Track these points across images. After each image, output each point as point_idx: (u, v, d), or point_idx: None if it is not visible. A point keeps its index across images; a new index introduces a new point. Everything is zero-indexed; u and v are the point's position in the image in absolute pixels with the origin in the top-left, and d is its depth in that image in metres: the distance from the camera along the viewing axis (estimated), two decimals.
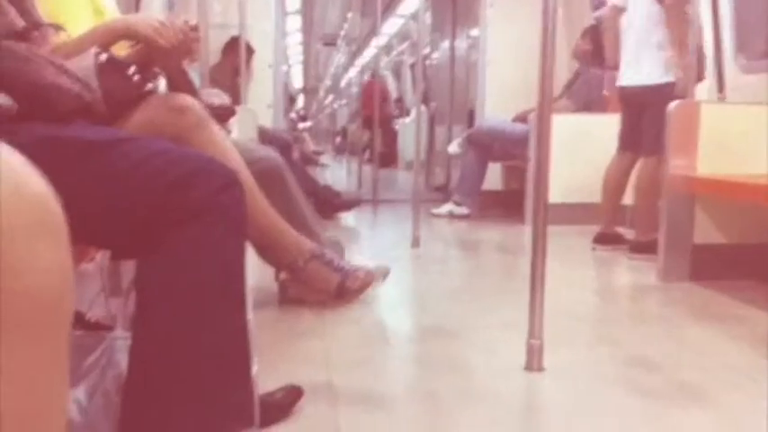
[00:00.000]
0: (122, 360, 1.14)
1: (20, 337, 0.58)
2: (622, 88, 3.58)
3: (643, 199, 3.42)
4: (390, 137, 11.40)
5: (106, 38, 1.34)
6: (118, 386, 1.15)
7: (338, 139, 16.45)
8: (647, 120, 3.45)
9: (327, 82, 21.60)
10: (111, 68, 1.24)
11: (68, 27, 1.38)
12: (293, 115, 14.50)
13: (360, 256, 2.57)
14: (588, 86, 4.66)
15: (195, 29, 1.45)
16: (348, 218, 4.97)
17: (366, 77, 9.52)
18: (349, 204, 4.98)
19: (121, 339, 1.16)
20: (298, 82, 21.82)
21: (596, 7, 4.90)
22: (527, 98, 4.40)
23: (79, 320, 1.23)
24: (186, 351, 1.02)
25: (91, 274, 1.31)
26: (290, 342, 2.06)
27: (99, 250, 1.26)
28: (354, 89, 12.19)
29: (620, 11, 3.62)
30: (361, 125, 9.11)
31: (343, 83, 16.94)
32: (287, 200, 2.29)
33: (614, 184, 3.63)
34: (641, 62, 3.43)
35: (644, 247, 3.32)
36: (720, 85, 3.55)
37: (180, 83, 1.57)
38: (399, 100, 12.67)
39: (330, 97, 22.82)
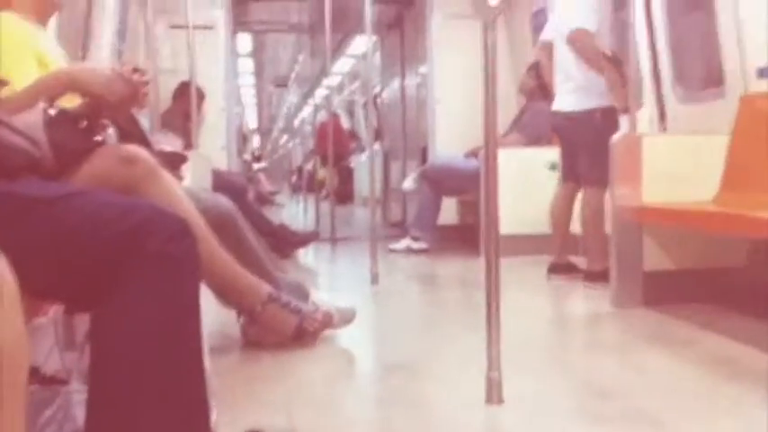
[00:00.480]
0: (79, 414, 1.13)
1: None
2: (554, 115, 3.69)
3: (589, 229, 3.47)
4: (346, 174, 11.47)
5: (52, 91, 1.34)
6: None
7: (294, 178, 16.45)
8: (580, 149, 3.55)
9: (281, 123, 21.65)
10: (59, 122, 1.24)
11: (13, 80, 1.37)
12: (247, 156, 14.46)
13: (325, 297, 2.57)
14: (537, 120, 4.76)
15: (143, 73, 1.45)
16: (307, 255, 4.97)
17: (320, 117, 9.61)
18: (305, 240, 4.99)
19: (77, 393, 1.15)
20: (252, 123, 21.83)
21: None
22: (477, 133, 4.48)
23: (34, 375, 1.21)
24: (143, 402, 1.02)
25: (44, 328, 1.29)
26: (251, 386, 2.04)
27: (52, 304, 1.25)
28: (308, 128, 12.26)
29: (548, 47, 3.72)
30: (318, 163, 9.15)
31: (296, 122, 17.00)
32: (241, 245, 2.29)
33: (559, 214, 3.68)
34: (568, 90, 3.54)
35: (598, 276, 3.36)
36: (661, 116, 3.67)
37: (130, 131, 1.58)
38: (354, 136, 12.77)
39: (284, 137, 22.85)
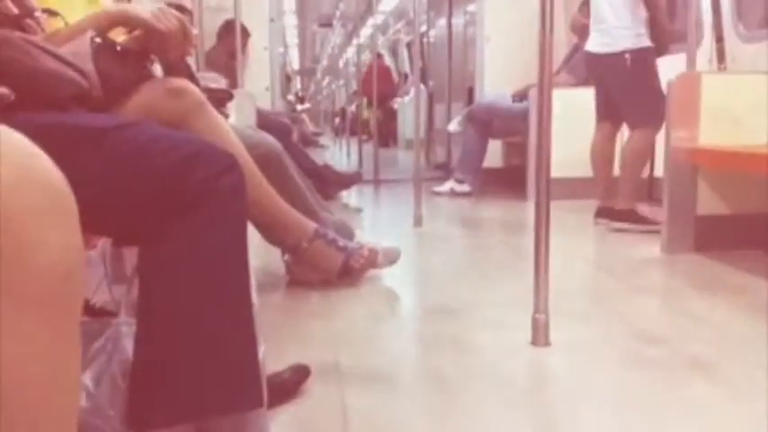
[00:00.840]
0: (128, 346, 1.14)
1: (35, 315, 0.58)
2: (586, 56, 3.58)
3: (627, 169, 3.42)
4: (390, 116, 11.37)
5: (102, 23, 1.33)
6: (124, 372, 1.15)
7: (337, 120, 16.41)
8: (614, 92, 3.46)
9: (324, 63, 21.50)
10: (107, 53, 1.23)
11: (63, 12, 1.36)
12: (291, 97, 14.44)
13: (370, 237, 2.57)
14: None
15: (187, 12, 1.43)
16: (350, 197, 4.97)
17: (364, 58, 9.48)
18: (349, 181, 4.98)
19: (126, 325, 1.16)
20: (295, 64, 21.72)
21: None
22: (526, 74, 4.38)
23: (84, 307, 1.22)
24: (191, 335, 1.02)
25: (93, 261, 1.30)
26: (297, 323, 2.06)
27: (101, 237, 1.26)
28: (352, 69, 12.15)
29: None
30: (363, 105, 9.09)
31: (340, 63, 16.86)
32: (287, 183, 2.29)
33: (599, 156, 3.60)
34: (600, 30, 3.44)
35: (615, 215, 3.40)
36: (721, 56, 3.52)
37: (177, 68, 1.56)
38: (401, 76, 12.62)
39: (327, 78, 22.73)
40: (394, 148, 10.73)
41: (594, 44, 3.47)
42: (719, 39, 3.54)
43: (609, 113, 3.53)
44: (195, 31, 1.39)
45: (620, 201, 3.43)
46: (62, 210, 0.60)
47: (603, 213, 3.57)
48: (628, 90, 3.39)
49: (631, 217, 3.41)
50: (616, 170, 3.54)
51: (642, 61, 3.33)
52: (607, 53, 3.38)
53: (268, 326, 1.50)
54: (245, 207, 1.10)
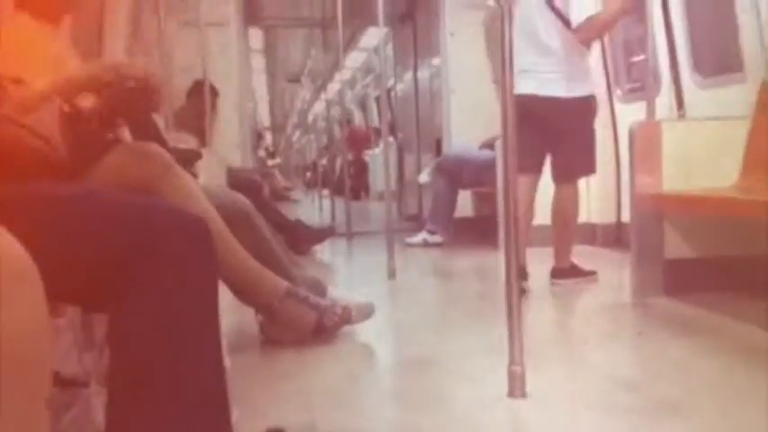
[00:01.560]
0: (99, 417, 1.12)
1: (1, 395, 0.57)
2: (529, 99, 3.11)
3: (570, 226, 3.34)
4: (361, 168, 11.45)
5: (69, 89, 1.33)
6: None
7: (308, 174, 16.46)
8: (579, 138, 3.27)
9: (294, 119, 21.66)
10: (73, 120, 1.23)
11: (28, 79, 1.36)
12: (262, 152, 14.48)
13: (344, 292, 2.56)
14: None
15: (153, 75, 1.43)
16: (323, 252, 4.96)
17: (333, 113, 9.62)
18: (322, 235, 4.98)
19: (97, 396, 1.14)
20: (265, 120, 21.84)
21: None
22: (491, 123, 4.45)
23: (54, 378, 1.20)
24: (163, 403, 1.01)
25: (62, 329, 1.28)
26: (272, 383, 2.03)
27: (69, 305, 1.24)
28: (321, 124, 12.26)
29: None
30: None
31: (310, 118, 16.99)
32: (258, 242, 2.28)
33: (527, 210, 3.23)
34: (557, 74, 3.23)
35: (565, 273, 3.30)
36: (679, 102, 3.62)
37: (145, 129, 1.57)
38: (374, 132, 12.75)
39: (297, 133, 22.87)
40: (366, 201, 10.77)
41: (553, 88, 3.21)
42: (677, 86, 3.64)
43: (539, 165, 3.30)
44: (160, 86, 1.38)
45: (566, 259, 3.31)
46: (26, 291, 0.60)
47: (562, 274, 3.34)
48: (585, 137, 3.30)
49: (575, 272, 3.34)
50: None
51: (595, 108, 3.35)
52: (575, 97, 3.23)
53: (242, 387, 1.48)
54: (214, 271, 1.10)
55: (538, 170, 3.32)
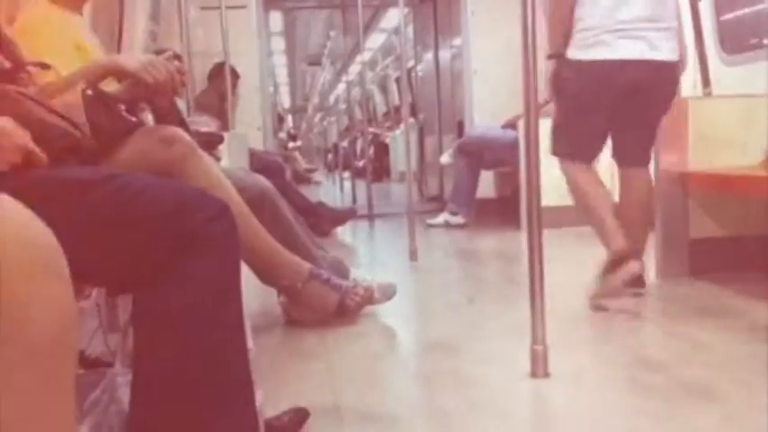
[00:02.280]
0: (124, 396, 1.14)
1: (29, 371, 0.59)
2: (632, 66, 2.48)
3: (646, 215, 2.72)
4: (381, 150, 11.44)
5: (93, 75, 1.35)
6: (121, 423, 1.14)
7: (330, 156, 16.49)
8: (655, 113, 2.63)
9: (315, 100, 21.67)
10: (98, 104, 1.24)
11: (54, 66, 1.38)
12: (283, 135, 14.52)
13: (365, 274, 2.57)
14: None
15: (178, 58, 1.46)
16: (345, 234, 4.97)
17: (354, 94, 9.61)
18: (343, 217, 4.99)
19: (122, 376, 1.16)
20: (285, 102, 21.88)
21: None
22: (514, 104, 4.42)
23: (79, 358, 1.22)
24: (187, 384, 1.02)
25: (88, 311, 1.30)
26: (295, 364, 2.05)
27: (94, 287, 1.26)
28: (342, 106, 12.24)
29: None
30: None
31: (331, 100, 16.99)
32: (280, 224, 2.29)
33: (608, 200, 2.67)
34: (664, 32, 2.52)
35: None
36: (705, 80, 3.56)
37: (167, 115, 1.58)
38: (388, 113, 12.72)
39: (319, 115, 22.89)
40: (387, 182, 10.77)
41: (667, 50, 2.51)
42: (703, 64, 3.58)
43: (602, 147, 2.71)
44: (184, 68, 1.39)
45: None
46: (53, 269, 0.62)
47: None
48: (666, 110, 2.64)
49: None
50: None
51: None
52: (673, 62, 2.54)
53: (265, 369, 1.50)
54: (237, 252, 1.10)
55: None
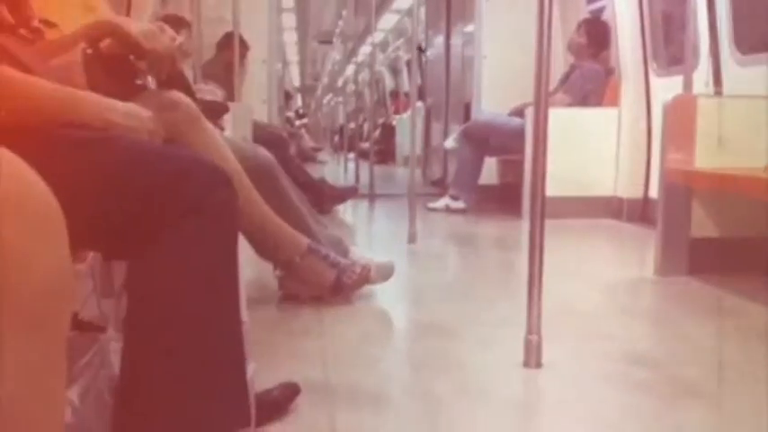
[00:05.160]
0: (115, 361, 1.13)
1: (23, 331, 0.59)
2: None
3: None
4: (388, 133, 11.40)
5: (94, 34, 1.32)
6: (111, 387, 1.14)
7: (336, 138, 16.45)
8: None
9: (325, 80, 21.57)
10: (98, 64, 1.22)
11: (59, 24, 1.36)
12: (291, 114, 14.47)
13: (365, 253, 2.56)
14: (584, 79, 4.64)
15: (187, 24, 1.43)
16: (345, 212, 4.96)
17: (362, 77, 9.57)
18: (344, 194, 4.98)
19: (114, 340, 1.15)
20: (295, 81, 21.79)
21: (591, 0, 4.89)
22: (522, 92, 4.37)
23: (72, 320, 1.21)
24: (179, 352, 1.01)
25: (83, 275, 1.29)
26: (288, 339, 2.05)
27: (90, 251, 1.25)
28: (351, 87, 12.19)
29: None
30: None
31: (340, 82, 16.90)
32: (280, 197, 2.28)
33: None
34: None
35: None
36: (717, 79, 3.53)
37: (174, 78, 1.55)
38: (397, 95, 12.67)
39: (329, 96, 22.80)
40: (392, 165, 10.74)
41: None
42: (716, 62, 3.54)
43: None
44: (185, 42, 1.36)
45: None
46: (51, 230, 0.62)
47: None
48: None
49: None
50: None
51: None
52: None
53: (258, 342, 1.49)
54: (236, 223, 1.09)
55: None
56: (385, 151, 10.92)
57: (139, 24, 1.35)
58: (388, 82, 14.09)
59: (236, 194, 1.08)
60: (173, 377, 1.02)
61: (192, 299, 1.03)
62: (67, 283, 0.65)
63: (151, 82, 1.39)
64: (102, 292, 1.34)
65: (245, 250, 2.10)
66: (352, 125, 9.92)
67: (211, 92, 2.65)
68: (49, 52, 1.21)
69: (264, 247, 2.20)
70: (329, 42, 15.25)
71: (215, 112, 2.20)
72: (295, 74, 21.26)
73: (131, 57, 1.31)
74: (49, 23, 1.32)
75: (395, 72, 13.66)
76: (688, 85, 2.90)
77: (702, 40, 3.63)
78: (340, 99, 16.90)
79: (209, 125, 1.60)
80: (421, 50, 7.21)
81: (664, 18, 4.48)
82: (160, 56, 1.31)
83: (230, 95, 3.87)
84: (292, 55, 17.68)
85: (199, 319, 1.03)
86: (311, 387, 1.59)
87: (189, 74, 3.13)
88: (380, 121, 12.75)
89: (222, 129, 2.33)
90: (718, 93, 3.48)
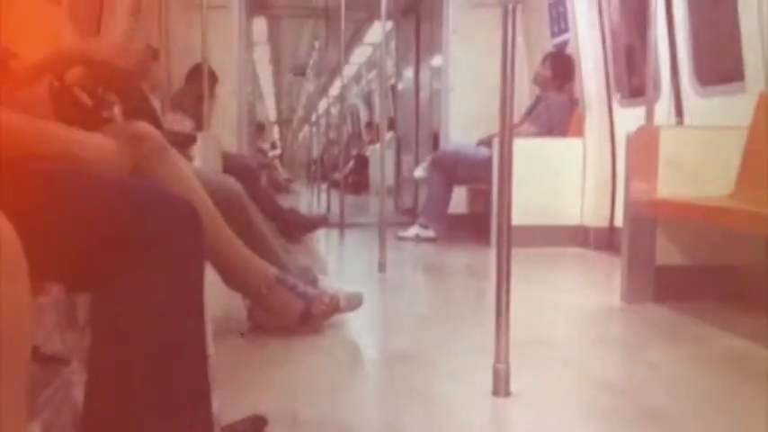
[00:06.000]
0: (79, 395, 1.11)
1: None
2: None
3: None
4: (362, 164, 11.44)
5: (61, 64, 1.31)
6: (74, 422, 1.12)
7: (313, 168, 16.44)
8: None
9: (300, 112, 21.59)
10: (65, 96, 1.22)
11: (22, 54, 1.35)
12: (265, 146, 14.43)
13: (334, 282, 2.55)
14: (550, 110, 4.72)
15: (154, 53, 1.44)
16: (315, 242, 4.95)
17: (334, 111, 9.66)
18: (314, 224, 4.98)
19: (78, 374, 1.13)
20: (272, 113, 21.78)
21: (555, 34, 4.99)
22: (489, 123, 4.45)
23: (34, 354, 1.19)
24: (143, 387, 1.00)
25: (46, 308, 1.27)
26: (255, 370, 2.03)
27: (54, 284, 1.23)
28: (323, 120, 12.24)
29: None
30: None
31: (313, 117, 16.95)
32: (249, 227, 2.28)
33: None
34: None
35: None
36: (678, 110, 3.62)
37: (140, 108, 1.56)
38: (370, 127, 12.74)
39: (306, 128, 22.80)
40: (367, 195, 10.77)
41: None
42: (677, 94, 3.64)
43: None
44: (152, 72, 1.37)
45: None
46: (11, 267, 0.61)
47: None
48: None
49: None
50: None
51: None
52: None
53: (225, 373, 1.48)
54: (200, 257, 1.09)
55: None
56: (359, 182, 10.96)
57: (106, 43, 1.35)
58: (363, 114, 14.16)
59: (202, 228, 1.08)
60: (137, 412, 1.01)
61: (156, 333, 1.02)
62: (26, 318, 0.63)
63: (117, 114, 1.39)
64: (67, 325, 1.32)
65: (214, 280, 2.09)
66: (326, 156, 9.96)
67: (179, 122, 2.64)
68: (14, 83, 1.20)
69: (232, 278, 2.19)
70: (303, 75, 15.29)
71: (183, 142, 2.19)
72: (271, 107, 21.26)
73: (99, 90, 1.31)
74: (10, 53, 1.31)
75: (369, 104, 13.75)
76: (650, 116, 2.96)
77: (664, 72, 3.72)
78: (315, 129, 16.93)
79: (176, 156, 1.60)
80: (392, 87, 7.30)
81: (626, 50, 4.59)
82: (130, 73, 1.30)
83: (199, 125, 3.87)
84: (268, 87, 17.69)
85: (163, 354, 1.02)
86: (278, 419, 1.58)
87: (156, 104, 3.12)
88: (354, 152, 12.79)
89: (191, 159, 2.33)
90: (680, 123, 3.57)
